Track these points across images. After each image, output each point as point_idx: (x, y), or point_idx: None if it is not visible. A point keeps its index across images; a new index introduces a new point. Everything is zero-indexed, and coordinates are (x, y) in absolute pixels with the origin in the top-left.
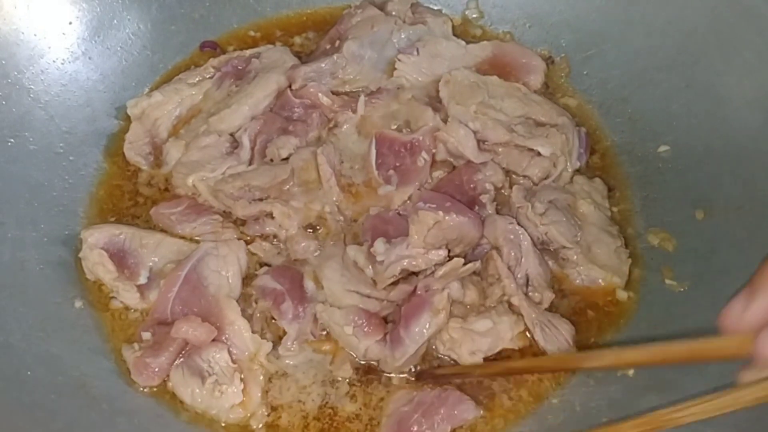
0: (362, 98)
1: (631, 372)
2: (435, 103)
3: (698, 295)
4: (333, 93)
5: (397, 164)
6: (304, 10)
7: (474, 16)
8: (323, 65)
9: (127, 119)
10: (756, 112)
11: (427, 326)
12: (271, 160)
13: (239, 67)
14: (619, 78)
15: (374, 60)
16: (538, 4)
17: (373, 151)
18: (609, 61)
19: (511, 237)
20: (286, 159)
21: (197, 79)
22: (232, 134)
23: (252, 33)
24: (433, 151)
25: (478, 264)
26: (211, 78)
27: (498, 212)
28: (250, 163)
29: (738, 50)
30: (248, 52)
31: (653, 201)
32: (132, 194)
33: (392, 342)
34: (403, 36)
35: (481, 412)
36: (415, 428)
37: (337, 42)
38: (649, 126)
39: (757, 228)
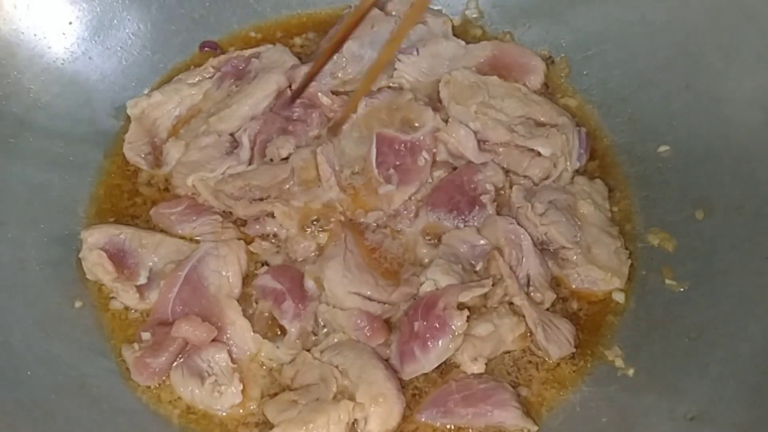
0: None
1: (631, 372)
2: (435, 103)
3: (698, 295)
4: (333, 93)
5: (398, 163)
6: (304, 11)
7: (474, 16)
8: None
9: (127, 119)
10: (756, 112)
11: (446, 351)
12: (271, 160)
13: (239, 67)
14: (619, 78)
15: (374, 60)
16: (538, 4)
17: (374, 151)
18: (609, 61)
19: (512, 237)
20: (286, 159)
21: (197, 79)
22: (232, 134)
23: (253, 34)
24: (434, 150)
25: (490, 282)
26: (210, 78)
27: (498, 212)
28: (250, 162)
29: (738, 50)
30: (248, 52)
31: (653, 201)
32: (132, 194)
33: (403, 355)
34: None
35: (529, 425)
36: (451, 405)
37: None
38: (649, 126)
39: (757, 228)
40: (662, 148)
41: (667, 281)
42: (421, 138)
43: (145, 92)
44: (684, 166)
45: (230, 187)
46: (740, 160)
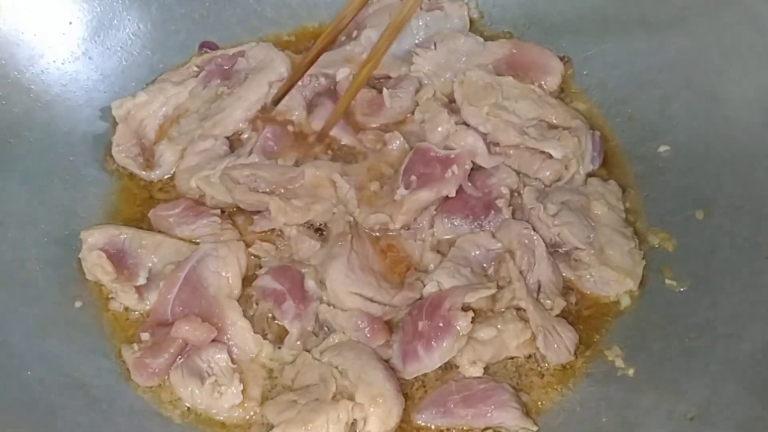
0: (386, 91)
1: (631, 372)
2: (452, 103)
3: (698, 295)
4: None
5: (423, 171)
6: (304, 10)
7: (474, 16)
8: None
9: (114, 121)
10: (756, 112)
11: (449, 352)
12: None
13: (224, 66)
14: (619, 78)
15: (392, 48)
16: (538, 4)
17: (406, 162)
18: (609, 61)
19: (526, 242)
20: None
21: (182, 77)
22: (227, 137)
23: (286, 37)
24: (466, 167)
25: (495, 285)
26: (196, 77)
27: (513, 216)
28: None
29: (738, 50)
30: (232, 50)
31: (653, 201)
32: (136, 197)
33: (406, 355)
34: (420, 23)
35: (529, 425)
36: (450, 405)
37: (355, 32)
38: (649, 126)
39: (757, 228)
40: (662, 148)
41: (667, 281)
42: (455, 155)
43: None
44: (684, 166)
45: (237, 172)
46: (740, 160)
